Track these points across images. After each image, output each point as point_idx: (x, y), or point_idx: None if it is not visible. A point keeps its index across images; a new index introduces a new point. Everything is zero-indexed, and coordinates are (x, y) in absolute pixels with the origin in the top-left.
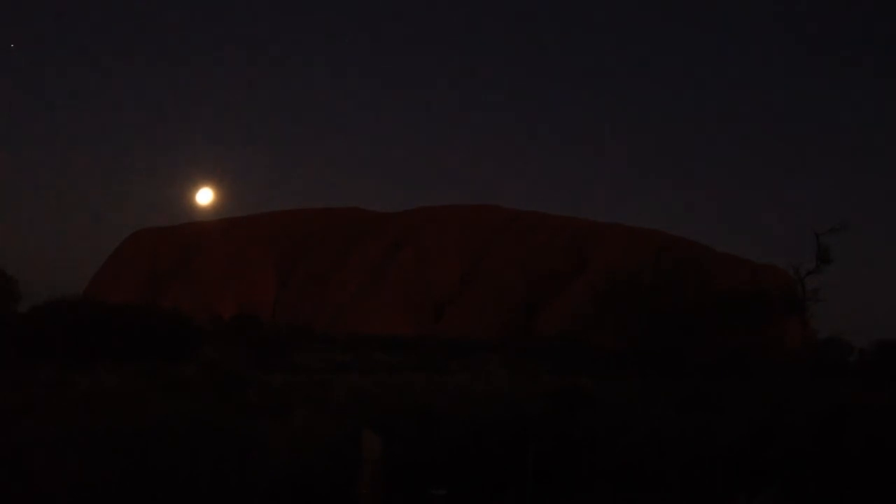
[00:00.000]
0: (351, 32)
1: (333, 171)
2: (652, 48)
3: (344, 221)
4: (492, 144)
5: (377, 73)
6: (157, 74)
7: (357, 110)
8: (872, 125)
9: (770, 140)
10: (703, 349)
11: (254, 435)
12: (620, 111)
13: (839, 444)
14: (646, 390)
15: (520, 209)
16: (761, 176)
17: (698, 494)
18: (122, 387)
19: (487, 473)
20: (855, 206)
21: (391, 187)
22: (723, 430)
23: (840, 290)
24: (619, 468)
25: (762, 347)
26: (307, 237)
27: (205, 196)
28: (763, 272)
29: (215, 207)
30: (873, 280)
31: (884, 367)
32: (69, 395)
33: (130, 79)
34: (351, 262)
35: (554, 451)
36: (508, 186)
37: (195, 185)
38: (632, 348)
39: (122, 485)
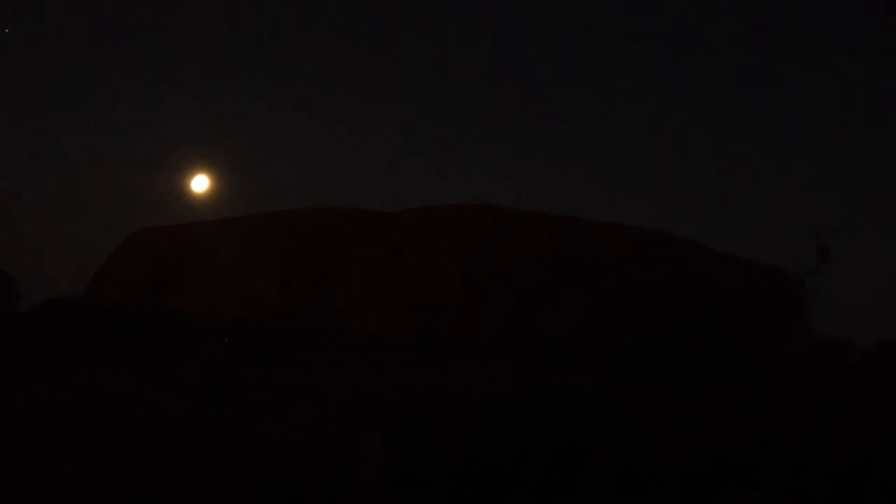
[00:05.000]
0: (351, 31)
1: (334, 170)
2: (652, 47)
3: (344, 221)
4: (492, 144)
5: (377, 71)
6: (155, 71)
7: (357, 109)
8: (873, 124)
9: (771, 139)
10: (703, 350)
11: (253, 435)
12: (621, 110)
13: (839, 445)
14: (646, 391)
15: (520, 209)
16: (761, 176)
17: (698, 495)
18: (122, 387)
19: (488, 474)
20: (855, 205)
21: (391, 187)
22: (723, 431)
23: (840, 290)
24: (619, 469)
25: (762, 347)
26: (307, 237)
27: (200, 183)
28: (763, 272)
29: (212, 197)
30: (873, 280)
31: (884, 367)
32: (69, 395)
33: (129, 75)
34: (351, 261)
35: (554, 452)
36: (508, 186)
37: (191, 176)
38: (632, 349)
39: (122, 485)
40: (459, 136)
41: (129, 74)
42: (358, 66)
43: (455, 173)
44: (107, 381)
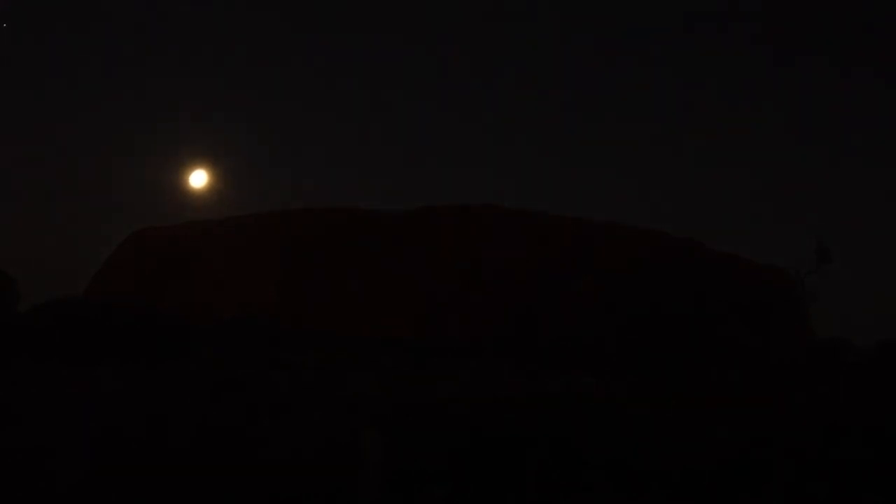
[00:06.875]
0: (352, 30)
1: (334, 170)
2: (652, 46)
3: (344, 221)
4: (492, 144)
5: (377, 71)
6: (154, 67)
7: (357, 109)
8: (873, 124)
9: (771, 139)
10: (704, 350)
11: (253, 435)
12: (621, 110)
13: (840, 445)
14: (646, 390)
15: (520, 209)
16: (762, 175)
17: (698, 495)
18: (121, 386)
19: (488, 473)
20: (856, 205)
21: (391, 187)
22: (723, 431)
23: (840, 290)
24: (618, 468)
25: (762, 347)
26: (307, 236)
27: (198, 179)
28: (763, 272)
29: (211, 193)
30: (874, 280)
31: (884, 367)
32: (69, 395)
33: (127, 72)
34: (351, 261)
35: (554, 451)
36: (508, 186)
37: (189, 171)
38: (632, 348)
39: (123, 484)
40: (460, 136)
41: (128, 71)
42: (358, 65)
43: (455, 173)
44: (107, 381)
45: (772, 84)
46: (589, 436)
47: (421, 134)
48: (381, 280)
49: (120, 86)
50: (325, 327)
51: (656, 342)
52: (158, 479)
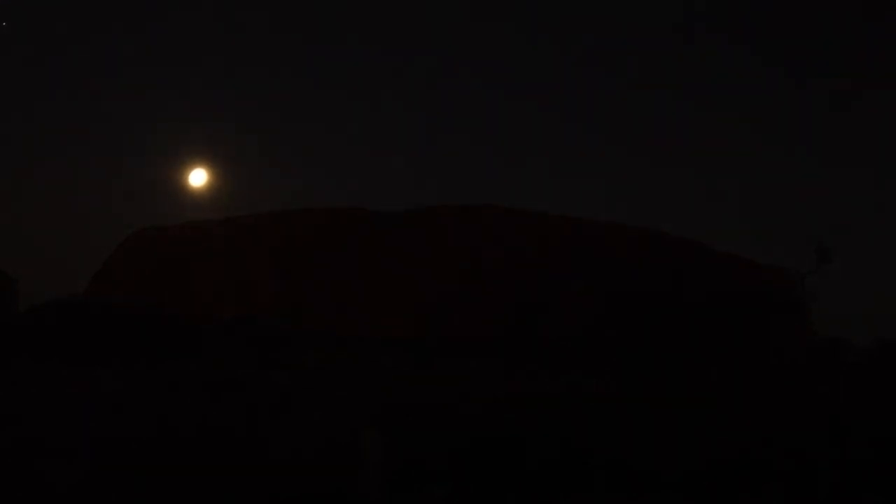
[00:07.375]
0: (352, 29)
1: (334, 170)
2: (652, 47)
3: (344, 221)
4: (491, 144)
5: (378, 71)
6: (154, 70)
7: (357, 109)
8: (873, 124)
9: (771, 139)
10: (704, 349)
11: (253, 434)
12: (621, 109)
13: (842, 445)
14: (646, 390)
15: (520, 209)
16: (762, 176)
17: (698, 495)
18: (121, 386)
19: (488, 473)
20: (856, 205)
21: (391, 187)
22: (724, 431)
23: (840, 290)
24: (618, 468)
25: (762, 347)
26: (308, 236)
27: (198, 177)
28: (763, 272)
29: (210, 191)
30: (873, 280)
31: (884, 367)
32: (69, 395)
33: (126, 71)
34: (351, 261)
35: (554, 451)
36: (508, 186)
37: (189, 170)
38: (632, 349)
39: (122, 485)
40: (460, 136)
41: (128, 71)
42: (359, 64)
43: (455, 173)
44: (107, 381)
45: (772, 84)
46: (589, 436)
47: (421, 134)
48: (381, 280)
49: (120, 86)
50: (325, 327)
51: (656, 342)
52: (158, 478)
